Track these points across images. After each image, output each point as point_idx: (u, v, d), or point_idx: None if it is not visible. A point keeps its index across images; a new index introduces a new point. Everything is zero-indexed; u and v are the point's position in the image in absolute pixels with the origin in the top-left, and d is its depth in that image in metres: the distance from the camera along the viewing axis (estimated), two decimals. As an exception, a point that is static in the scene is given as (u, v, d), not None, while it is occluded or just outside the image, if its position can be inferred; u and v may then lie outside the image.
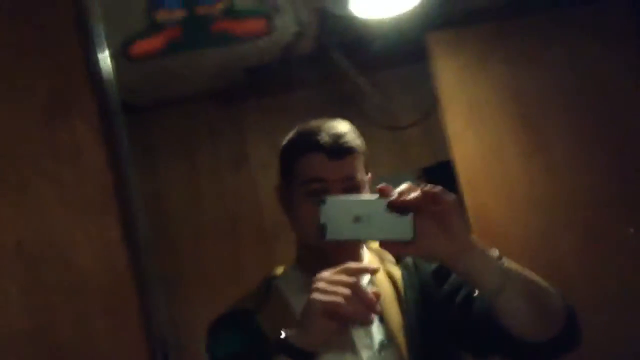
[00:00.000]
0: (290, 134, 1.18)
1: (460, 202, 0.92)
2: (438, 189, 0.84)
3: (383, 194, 0.85)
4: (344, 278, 0.93)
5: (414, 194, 0.83)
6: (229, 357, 1.09)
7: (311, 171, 1.08)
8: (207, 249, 2.58)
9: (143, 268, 0.63)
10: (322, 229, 0.86)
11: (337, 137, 1.09)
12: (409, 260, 1.16)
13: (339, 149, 1.08)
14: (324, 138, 1.08)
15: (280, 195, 1.18)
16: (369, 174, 1.17)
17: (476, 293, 1.00)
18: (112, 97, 0.66)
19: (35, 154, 0.59)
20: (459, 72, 2.03)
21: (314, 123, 1.14)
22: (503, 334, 0.95)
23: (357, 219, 0.86)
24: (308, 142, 1.10)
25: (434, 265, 1.15)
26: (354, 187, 1.09)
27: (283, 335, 0.94)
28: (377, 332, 1.09)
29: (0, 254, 0.59)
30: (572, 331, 0.98)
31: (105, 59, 0.67)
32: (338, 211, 0.87)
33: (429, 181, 0.90)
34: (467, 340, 1.11)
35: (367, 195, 0.91)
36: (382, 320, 1.09)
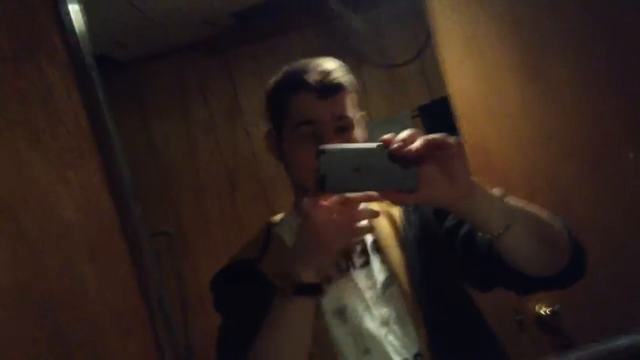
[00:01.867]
0: (276, 75, 1.14)
1: (459, 139, 0.89)
2: (440, 136, 0.81)
3: (385, 144, 0.83)
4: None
5: (416, 144, 0.80)
6: (236, 308, 1.09)
7: (301, 113, 1.05)
8: (206, 202, 2.57)
9: (129, 212, 0.60)
10: (321, 180, 0.84)
11: (325, 74, 1.05)
12: None
13: (327, 86, 1.04)
14: (311, 76, 1.04)
15: (271, 141, 1.15)
16: (364, 112, 1.14)
17: (480, 234, 0.99)
18: (80, 31, 0.61)
19: (2, 99, 0.54)
20: (455, 3, 1.95)
21: (300, 62, 1.10)
22: (507, 269, 0.94)
23: (357, 170, 0.83)
24: (295, 82, 1.06)
25: None
26: (347, 126, 1.06)
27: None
28: (378, 272, 1.08)
29: (-24, 207, 0.56)
30: (577, 264, 0.97)
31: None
32: (338, 162, 0.84)
33: (426, 119, 0.87)
34: (471, 275, 1.10)
35: (367, 145, 0.86)
36: (384, 260, 1.08)
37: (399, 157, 0.81)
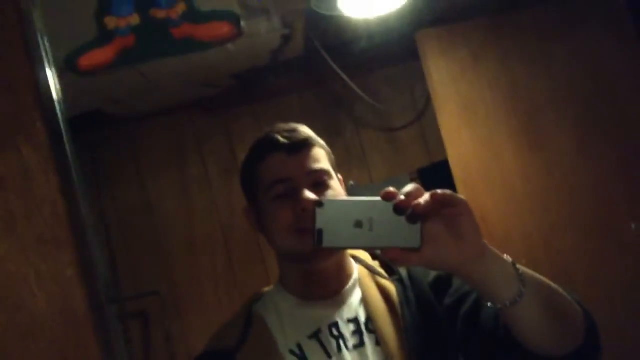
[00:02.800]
0: (247, 153, 1.12)
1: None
2: (448, 192, 0.77)
3: (387, 197, 0.77)
4: None
5: (423, 200, 0.76)
6: None
7: (273, 172, 1.02)
8: (199, 261, 2.51)
9: (102, 309, 0.57)
10: (318, 234, 0.76)
11: (291, 132, 1.03)
12: (402, 272, 1.08)
13: (295, 142, 1.02)
14: (277, 136, 1.02)
15: (249, 215, 1.11)
16: (351, 182, 1.11)
17: (489, 304, 0.92)
18: (62, 119, 0.60)
19: (-22, 184, 0.52)
20: (452, 70, 1.97)
21: (265, 130, 1.09)
22: (516, 347, 0.87)
23: (357, 224, 0.76)
24: (262, 146, 1.04)
25: (431, 277, 1.08)
26: (321, 181, 1.02)
27: None
28: (372, 355, 1.01)
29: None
30: (593, 342, 0.90)
31: (53, 78, 0.60)
32: (336, 215, 0.77)
33: (424, 182, 0.84)
34: (475, 355, 1.03)
35: (369, 198, 0.79)
36: (379, 342, 1.01)
37: (404, 212, 0.75)
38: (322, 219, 0.77)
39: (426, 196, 0.75)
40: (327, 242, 0.77)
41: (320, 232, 0.77)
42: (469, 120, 1.92)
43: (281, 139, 1.01)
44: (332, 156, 1.09)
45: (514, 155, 1.89)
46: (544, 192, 1.86)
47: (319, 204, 0.78)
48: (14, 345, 0.54)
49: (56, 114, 0.58)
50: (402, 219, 0.76)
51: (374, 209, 0.77)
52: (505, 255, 0.82)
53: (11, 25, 0.58)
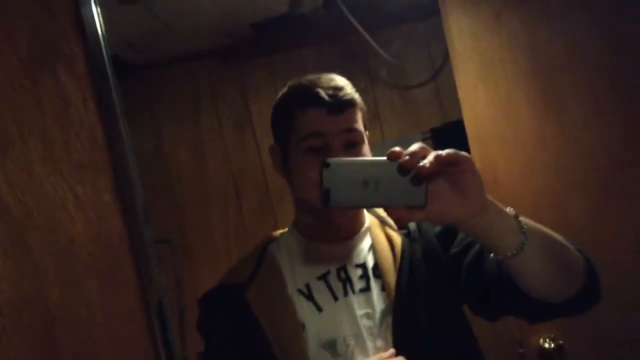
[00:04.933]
0: (283, 91, 1.12)
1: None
2: (452, 151, 0.78)
3: (393, 157, 0.78)
4: None
5: (428, 160, 0.77)
6: (216, 342, 1.06)
7: (310, 126, 1.03)
8: (211, 210, 2.55)
9: (139, 236, 0.59)
10: (325, 194, 0.79)
11: (336, 90, 1.03)
12: (411, 225, 1.11)
13: (338, 102, 1.02)
14: (322, 92, 1.02)
15: (276, 156, 1.13)
16: (367, 132, 1.12)
17: (491, 255, 0.95)
18: (102, 45, 0.60)
19: (17, 107, 0.53)
20: (474, 27, 1.94)
21: (308, 77, 1.08)
22: (519, 294, 0.90)
23: (364, 184, 0.79)
24: (305, 97, 1.04)
25: (438, 228, 1.10)
26: (355, 140, 1.04)
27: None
28: (378, 299, 1.04)
29: (-17, 218, 0.55)
30: (592, 287, 0.93)
31: (95, 7, 0.61)
32: (343, 175, 0.79)
33: (437, 142, 0.84)
34: (478, 303, 1.06)
35: (375, 158, 0.82)
36: (384, 287, 1.04)
37: (409, 172, 0.77)
38: (329, 179, 0.79)
39: (430, 157, 0.77)
40: (334, 201, 0.79)
41: (327, 191, 0.79)
42: (486, 80, 1.90)
43: (326, 97, 1.02)
44: (366, 114, 1.10)
45: (529, 116, 1.89)
46: (557, 154, 1.85)
47: (326, 164, 0.79)
48: (52, 265, 0.57)
49: (98, 42, 0.58)
50: (407, 178, 0.78)
51: (379, 168, 0.79)
52: (508, 208, 0.84)
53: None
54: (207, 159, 2.58)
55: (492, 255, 0.92)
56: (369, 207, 1.14)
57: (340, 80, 1.08)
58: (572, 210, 1.82)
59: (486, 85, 1.91)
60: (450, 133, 2.18)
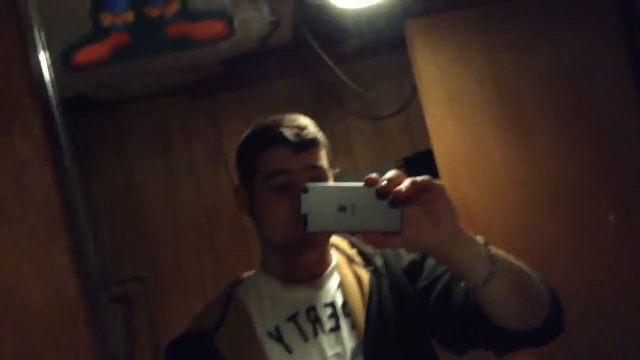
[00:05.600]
0: (247, 131, 1.13)
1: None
2: (426, 178, 0.80)
3: (370, 183, 0.80)
4: None
5: (404, 184, 0.79)
6: None
7: (275, 164, 1.04)
8: (184, 245, 2.52)
9: (95, 298, 0.58)
10: (303, 219, 0.79)
11: (300, 130, 1.05)
12: (378, 261, 1.12)
13: (302, 141, 1.04)
14: (286, 131, 1.04)
15: (241, 196, 1.13)
16: (337, 169, 1.13)
17: (462, 283, 0.96)
18: (57, 108, 0.60)
19: (-28, 174, 0.53)
20: (439, 61, 1.99)
21: (271, 118, 1.09)
22: (486, 324, 0.92)
23: (341, 209, 0.79)
24: (270, 137, 1.05)
25: (405, 263, 1.11)
26: (319, 177, 1.05)
27: None
28: (348, 338, 1.05)
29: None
30: (557, 318, 0.96)
31: (48, 67, 0.61)
32: (321, 200, 0.80)
33: (409, 171, 0.86)
34: (446, 335, 1.07)
35: (352, 183, 0.82)
36: (354, 326, 1.05)
37: (386, 196, 0.78)
38: (307, 204, 0.80)
39: (407, 182, 0.79)
40: (311, 226, 0.80)
41: (305, 217, 0.79)
42: (454, 111, 1.94)
43: (290, 136, 1.03)
44: (332, 152, 1.11)
45: (497, 146, 1.92)
46: (526, 184, 1.89)
47: (304, 189, 0.80)
48: (8, 331, 0.56)
49: (51, 104, 0.58)
50: (384, 203, 0.79)
51: (356, 194, 0.80)
52: (478, 236, 0.87)
53: (5, 14, 0.58)
54: (179, 193, 2.55)
55: (462, 283, 0.94)
56: (346, 232, 1.14)
57: (303, 120, 1.09)
58: (542, 238, 1.86)
59: (454, 116, 1.94)
60: (422, 162, 2.21)
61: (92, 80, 1.93)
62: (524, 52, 1.96)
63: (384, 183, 0.79)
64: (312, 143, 1.05)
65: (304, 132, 1.05)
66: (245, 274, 1.17)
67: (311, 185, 0.82)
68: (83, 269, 0.57)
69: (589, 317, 1.75)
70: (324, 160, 1.07)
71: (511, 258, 0.91)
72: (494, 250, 0.87)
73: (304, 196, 0.80)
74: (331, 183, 1.02)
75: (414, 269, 1.10)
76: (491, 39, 1.98)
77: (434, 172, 1.95)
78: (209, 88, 2.50)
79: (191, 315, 1.14)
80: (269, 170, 1.05)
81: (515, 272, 0.89)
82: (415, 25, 1.99)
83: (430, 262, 1.09)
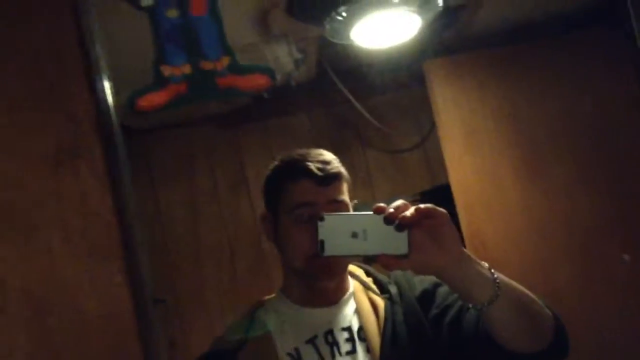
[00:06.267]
0: (275, 163, 1.20)
1: (457, 225, 0.95)
2: (430, 205, 0.88)
3: (378, 211, 0.89)
4: None
5: (409, 212, 0.86)
6: None
7: (300, 196, 1.11)
8: (205, 271, 2.58)
9: (146, 314, 0.65)
10: (320, 245, 0.89)
11: (324, 164, 1.12)
12: (393, 289, 1.17)
13: (326, 175, 1.11)
14: (312, 165, 1.11)
15: (267, 223, 1.19)
16: (355, 201, 1.19)
17: (470, 305, 1.01)
18: (119, 145, 0.68)
19: (42, 200, 0.60)
20: (457, 99, 2.06)
21: (298, 151, 1.17)
22: (495, 347, 0.96)
23: (354, 235, 0.89)
24: (296, 170, 1.12)
25: (418, 291, 1.17)
26: (341, 209, 1.12)
27: None
28: None
29: (8, 299, 0.60)
30: (561, 341, 1.00)
31: (112, 108, 0.69)
32: (336, 227, 0.89)
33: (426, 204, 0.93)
34: (460, 359, 1.11)
35: (362, 213, 0.92)
36: (369, 350, 1.09)
37: (393, 223, 0.86)
38: (323, 231, 0.90)
39: (411, 209, 0.87)
40: (328, 251, 0.89)
41: (322, 242, 0.89)
42: (471, 148, 2.00)
43: (315, 170, 1.10)
44: (352, 186, 1.18)
45: (513, 184, 1.97)
46: (541, 222, 1.93)
47: (320, 218, 0.90)
48: (69, 342, 0.62)
49: (113, 142, 0.66)
50: (391, 229, 0.87)
51: (367, 221, 0.89)
52: (483, 262, 0.92)
53: (76, 61, 0.67)
54: (202, 219, 2.62)
55: (472, 311, 0.99)
56: (358, 256, 1.21)
57: (327, 155, 1.16)
58: (558, 276, 1.88)
59: (471, 153, 2.00)
60: (440, 196, 2.25)
61: (128, 110, 2.04)
62: (540, 92, 2.02)
63: (391, 210, 0.87)
64: (336, 177, 1.12)
65: (329, 167, 1.12)
66: (267, 297, 1.23)
67: (327, 214, 0.92)
68: (136, 287, 0.64)
69: (602, 355, 1.77)
70: (345, 194, 1.14)
71: (514, 283, 0.96)
72: (498, 274, 0.93)
73: (320, 224, 0.89)
74: (344, 212, 1.09)
75: (427, 297, 1.15)
76: (508, 78, 2.05)
77: (451, 206, 2.00)
78: (234, 119, 2.60)
79: (210, 339, 1.19)
80: (295, 202, 1.11)
81: (518, 295, 0.95)
82: (434, 64, 2.06)
83: (442, 290, 1.14)
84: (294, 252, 1.12)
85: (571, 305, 1.82)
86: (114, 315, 0.63)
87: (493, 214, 1.94)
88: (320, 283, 1.14)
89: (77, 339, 0.62)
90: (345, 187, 1.15)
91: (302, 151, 1.17)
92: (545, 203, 1.94)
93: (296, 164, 1.14)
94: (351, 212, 1.07)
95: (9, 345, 0.60)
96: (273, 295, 1.23)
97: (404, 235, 0.87)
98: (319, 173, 1.10)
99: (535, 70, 2.04)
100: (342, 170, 1.16)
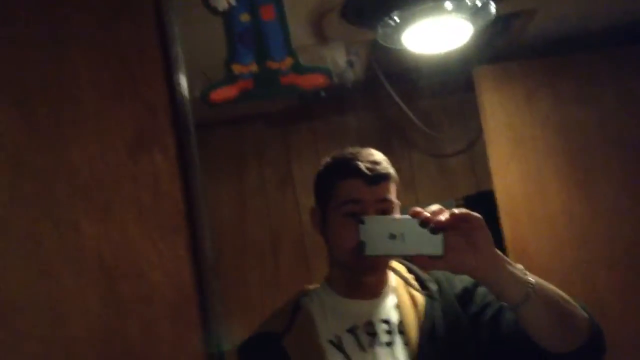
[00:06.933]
0: (327, 160, 1.26)
1: (495, 231, 1.00)
2: (464, 210, 0.94)
3: (415, 215, 0.95)
4: None
5: (444, 216, 0.91)
6: None
7: (350, 194, 1.17)
8: (249, 264, 2.65)
9: (206, 284, 0.72)
10: (362, 245, 0.97)
11: (374, 164, 1.17)
12: (433, 287, 1.21)
13: (376, 175, 1.16)
14: (362, 165, 1.16)
15: (316, 216, 1.25)
16: (399, 202, 1.24)
17: (505, 304, 1.05)
18: (191, 133, 0.76)
19: (119, 181, 0.68)
20: (505, 106, 2.07)
21: (350, 150, 1.22)
22: (530, 346, 1.00)
23: (392, 236, 0.95)
24: (347, 168, 1.18)
25: (458, 289, 1.20)
26: (388, 209, 1.17)
27: None
28: (401, 354, 1.14)
29: (85, 266, 0.69)
30: (596, 343, 1.02)
31: (187, 102, 0.77)
32: (376, 229, 0.97)
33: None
34: (498, 357, 1.14)
35: (400, 216, 1.00)
36: (407, 343, 1.14)
37: (429, 225, 0.92)
38: (364, 233, 0.97)
39: (446, 214, 0.93)
40: (368, 251, 0.97)
41: (363, 243, 0.97)
42: (518, 155, 2.01)
43: (365, 169, 1.16)
44: (399, 186, 1.23)
45: (558, 192, 1.97)
46: (585, 230, 1.92)
47: (361, 221, 0.98)
48: (136, 307, 0.70)
49: (186, 130, 0.74)
50: (427, 231, 0.93)
51: (404, 224, 0.96)
52: (517, 264, 0.96)
53: (156, 54, 0.75)
54: (249, 214, 2.70)
55: (505, 304, 1.03)
56: (396, 256, 1.27)
57: (378, 156, 1.21)
58: (599, 286, 1.87)
59: (518, 160, 2.01)
60: (483, 202, 2.26)
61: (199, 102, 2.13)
62: (589, 103, 2.01)
63: (427, 214, 0.93)
64: (384, 177, 1.17)
65: (378, 167, 1.17)
66: (311, 286, 1.29)
67: (367, 217, 1.00)
68: (199, 260, 0.71)
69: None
70: (393, 194, 1.19)
71: (551, 285, 1.00)
72: (531, 275, 0.97)
73: (361, 226, 0.97)
74: (384, 215, 1.15)
75: (466, 295, 1.19)
76: (559, 87, 2.05)
77: (493, 212, 2.01)
78: (283, 118, 2.67)
79: (250, 327, 1.26)
80: (344, 198, 1.17)
81: (551, 296, 0.99)
82: (484, 71, 2.08)
83: (481, 290, 1.17)
84: (340, 247, 1.18)
85: (611, 314, 1.80)
86: (177, 286, 0.70)
87: (536, 221, 1.95)
88: (363, 277, 1.19)
89: (142, 305, 0.69)
90: (393, 187, 1.20)
91: (354, 150, 1.22)
92: (589, 212, 1.93)
93: (347, 162, 1.19)
94: (390, 216, 1.13)
95: (83, 305, 0.68)
96: (317, 285, 1.29)
97: (439, 238, 0.93)
98: (368, 172, 1.15)
99: (586, 81, 2.03)
100: (392, 170, 1.21)
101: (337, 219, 1.18)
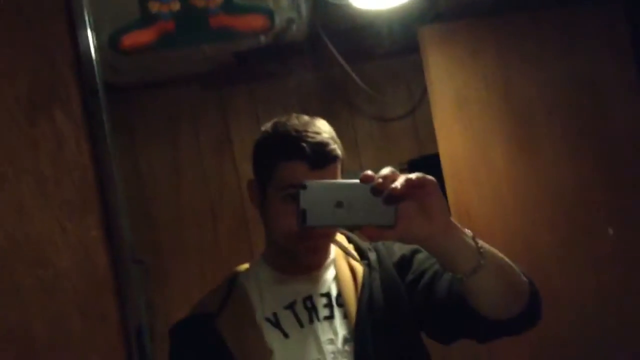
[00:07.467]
0: (268, 130, 1.14)
1: (445, 197, 0.92)
2: (420, 174, 0.83)
3: (366, 180, 0.82)
4: None
5: (398, 182, 0.81)
6: None
7: (292, 177, 1.07)
8: (187, 233, 2.55)
9: (123, 270, 0.61)
10: (302, 214, 0.82)
11: (321, 146, 1.07)
12: (372, 256, 1.16)
13: (321, 158, 1.06)
14: (307, 147, 1.05)
15: (254, 191, 1.16)
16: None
17: (445, 276, 1.01)
18: (98, 88, 0.63)
19: (14, 146, 0.55)
20: (450, 66, 2.02)
21: (294, 124, 1.11)
22: (470, 312, 0.95)
23: (338, 204, 0.82)
24: (290, 150, 1.07)
25: (396, 257, 1.16)
26: None
27: None
28: (340, 326, 1.09)
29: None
30: (534, 307, 1.00)
31: (92, 47, 0.64)
32: (319, 196, 0.83)
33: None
34: (431, 325, 1.12)
35: (349, 180, 0.85)
36: (346, 315, 1.09)
37: (381, 193, 0.81)
38: (305, 200, 0.83)
39: (401, 179, 0.81)
40: (310, 221, 0.83)
41: (304, 212, 0.82)
42: (462, 117, 1.97)
43: (310, 152, 1.05)
44: (345, 163, 1.14)
45: (502, 155, 1.95)
46: (528, 193, 1.92)
47: (302, 186, 0.83)
48: (38, 299, 0.58)
49: (92, 84, 0.61)
50: (379, 200, 0.81)
51: (353, 190, 0.83)
52: (467, 230, 0.90)
53: (56, 4, 0.61)
54: (185, 181, 2.58)
55: (445, 276, 0.97)
56: (343, 227, 1.18)
57: (325, 134, 1.11)
58: (540, 246, 1.89)
59: (462, 122, 1.97)
60: (427, 166, 2.23)
61: (106, 62, 1.96)
62: (535, 62, 1.98)
63: (379, 180, 0.81)
64: (331, 160, 1.08)
65: (325, 149, 1.07)
66: (245, 266, 1.21)
67: (309, 182, 0.84)
68: (114, 242, 0.60)
69: (582, 326, 1.79)
70: (338, 176, 1.11)
71: (496, 251, 0.95)
72: (481, 243, 0.90)
73: (302, 192, 0.83)
74: (328, 180, 1.04)
75: (404, 263, 1.15)
76: (503, 47, 2.01)
77: (438, 176, 1.97)
78: (219, 80, 2.53)
79: (189, 302, 1.17)
80: (285, 182, 1.08)
81: (500, 264, 0.93)
82: (429, 30, 2.01)
83: (419, 257, 1.13)
84: (279, 230, 1.10)
85: (551, 276, 1.82)
86: (88, 272, 0.59)
87: (480, 185, 1.93)
88: (302, 259, 1.12)
89: (47, 295, 0.58)
90: (339, 168, 1.11)
91: (299, 125, 1.11)
92: (533, 175, 1.93)
93: (291, 142, 1.08)
94: (336, 181, 1.00)
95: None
96: (253, 261, 1.21)
97: (391, 206, 0.81)
98: (313, 155, 1.06)
99: (531, 42, 2.00)
100: (339, 152, 1.11)
101: (276, 201, 1.09)
